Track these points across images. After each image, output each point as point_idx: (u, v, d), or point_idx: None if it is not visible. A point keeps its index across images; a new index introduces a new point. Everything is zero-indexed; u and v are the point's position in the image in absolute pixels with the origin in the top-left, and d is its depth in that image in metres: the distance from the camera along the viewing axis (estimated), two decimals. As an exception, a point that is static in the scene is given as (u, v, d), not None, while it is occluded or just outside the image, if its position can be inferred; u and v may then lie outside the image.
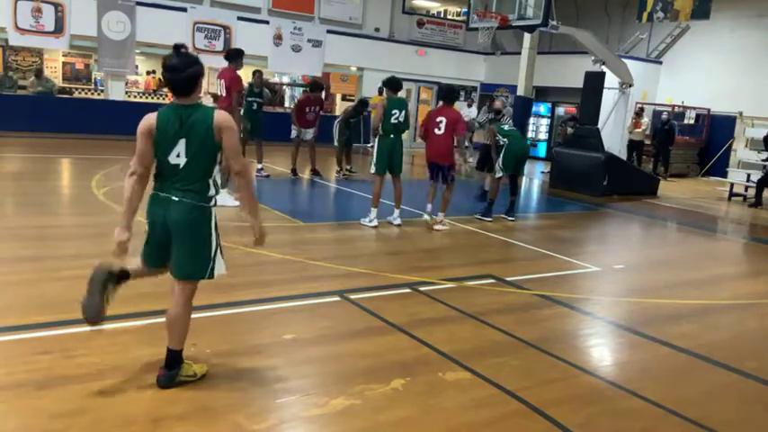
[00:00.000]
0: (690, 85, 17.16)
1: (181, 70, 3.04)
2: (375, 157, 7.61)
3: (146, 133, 3.06)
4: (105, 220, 6.60)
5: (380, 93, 8.50)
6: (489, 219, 8.54)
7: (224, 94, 8.07)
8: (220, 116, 3.09)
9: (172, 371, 3.23)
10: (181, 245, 3.13)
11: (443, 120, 7.63)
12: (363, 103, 12.12)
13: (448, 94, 7.94)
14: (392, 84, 7.64)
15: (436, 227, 7.83)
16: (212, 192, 3.18)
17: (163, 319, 3.26)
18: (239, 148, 3.23)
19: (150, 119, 3.09)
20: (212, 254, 3.21)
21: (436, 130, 7.67)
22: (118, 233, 3.10)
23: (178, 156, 3.07)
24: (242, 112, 8.27)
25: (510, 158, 8.59)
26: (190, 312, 3.28)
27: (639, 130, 15.68)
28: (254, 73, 10.80)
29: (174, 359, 3.23)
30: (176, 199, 3.09)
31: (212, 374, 3.42)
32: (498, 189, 8.70)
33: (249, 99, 10.43)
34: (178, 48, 3.12)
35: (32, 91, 14.85)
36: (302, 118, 10.84)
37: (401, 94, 7.85)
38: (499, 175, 8.66)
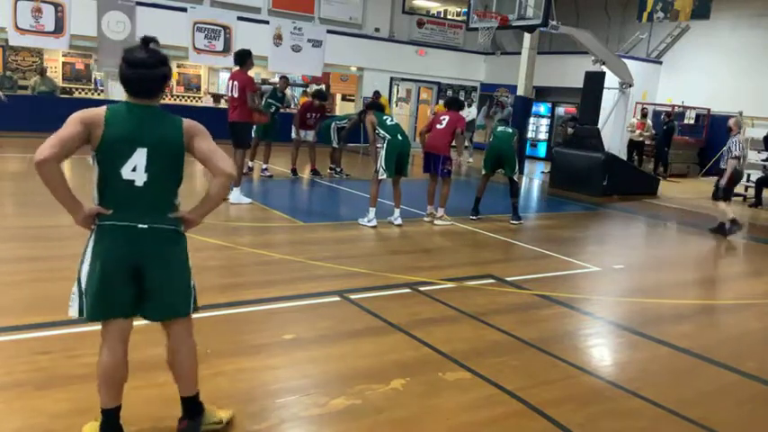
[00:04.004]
0: (690, 85, 17.16)
1: (150, 66, 2.57)
2: (384, 160, 7.61)
3: (86, 123, 2.48)
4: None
5: (369, 106, 8.49)
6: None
7: (236, 95, 8.10)
8: (189, 122, 2.67)
9: (195, 420, 2.84)
10: (159, 280, 2.64)
11: (447, 117, 8.12)
12: (364, 111, 12.34)
13: (452, 102, 8.50)
14: (377, 106, 8.26)
15: (436, 221, 8.12)
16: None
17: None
18: (219, 148, 2.77)
19: (97, 112, 2.53)
20: (192, 283, 2.78)
21: (438, 125, 8.12)
22: (79, 220, 2.54)
23: (134, 170, 2.53)
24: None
25: (486, 158, 8.89)
26: (196, 347, 2.86)
27: (647, 133, 15.66)
28: (280, 78, 11.39)
29: (196, 405, 2.85)
30: (144, 226, 2.56)
31: (212, 374, 3.41)
32: (483, 187, 8.85)
33: (270, 101, 10.70)
34: (148, 41, 2.65)
35: (36, 90, 14.82)
36: (303, 123, 11.14)
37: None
38: (483, 172, 8.93)
